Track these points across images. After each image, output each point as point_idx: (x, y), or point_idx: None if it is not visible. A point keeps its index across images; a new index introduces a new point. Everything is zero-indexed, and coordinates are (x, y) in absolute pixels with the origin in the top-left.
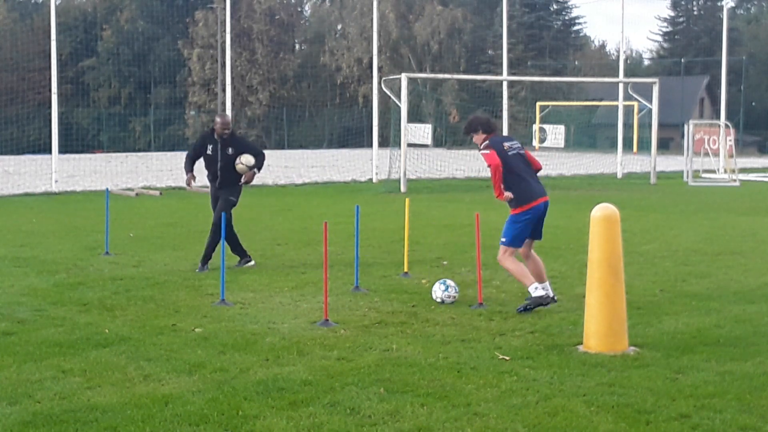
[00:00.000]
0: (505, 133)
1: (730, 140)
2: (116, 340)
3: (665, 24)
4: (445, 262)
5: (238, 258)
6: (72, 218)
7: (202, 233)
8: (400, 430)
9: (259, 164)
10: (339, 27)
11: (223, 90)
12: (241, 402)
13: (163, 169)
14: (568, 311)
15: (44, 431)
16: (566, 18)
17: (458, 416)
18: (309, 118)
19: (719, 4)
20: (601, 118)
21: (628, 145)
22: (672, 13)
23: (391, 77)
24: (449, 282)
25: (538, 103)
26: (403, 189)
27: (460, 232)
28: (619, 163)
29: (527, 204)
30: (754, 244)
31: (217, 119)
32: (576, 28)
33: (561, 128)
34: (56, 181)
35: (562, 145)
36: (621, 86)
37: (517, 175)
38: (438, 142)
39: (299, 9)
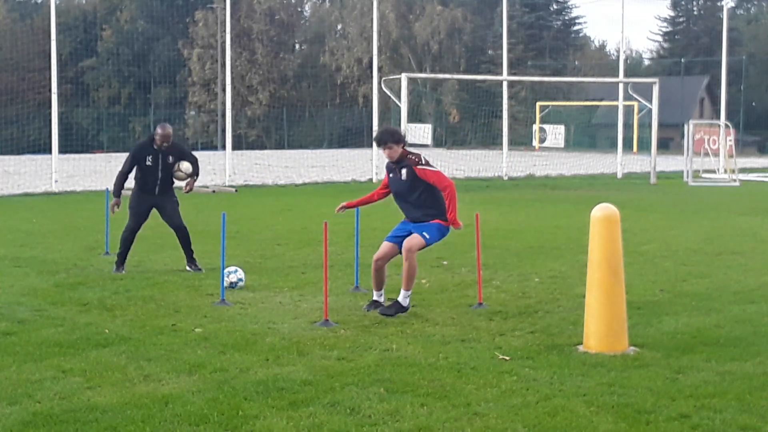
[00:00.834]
0: (505, 132)
1: (730, 140)
2: (116, 340)
3: (665, 24)
4: (445, 262)
5: (117, 262)
6: (72, 218)
7: (202, 233)
8: (400, 430)
9: (196, 171)
10: (339, 27)
11: (223, 90)
12: (241, 402)
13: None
14: (568, 311)
15: (44, 431)
16: (566, 18)
17: (458, 416)
18: (309, 118)
19: (719, 4)
20: (601, 118)
21: (628, 145)
22: (672, 13)
23: (391, 77)
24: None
25: (538, 103)
26: None
27: (460, 232)
28: (619, 163)
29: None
30: (754, 244)
31: (158, 130)
32: (576, 28)
33: (561, 128)
34: (56, 181)
35: (562, 145)
36: (621, 86)
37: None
38: (438, 142)
39: (299, 9)
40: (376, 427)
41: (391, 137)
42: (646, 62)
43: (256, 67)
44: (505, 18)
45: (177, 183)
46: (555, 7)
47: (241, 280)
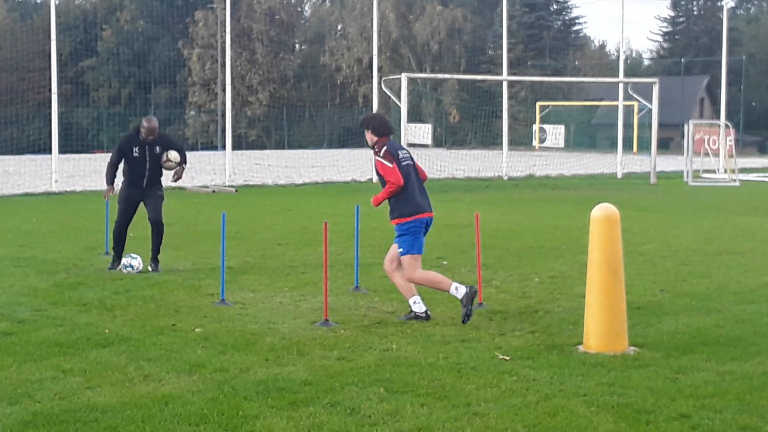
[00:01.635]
0: (505, 132)
1: (730, 140)
2: (116, 340)
3: (665, 24)
4: (445, 262)
5: (113, 258)
6: (72, 218)
7: (202, 233)
8: (400, 430)
9: (184, 159)
10: (339, 27)
11: (223, 90)
12: (241, 402)
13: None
14: (568, 311)
15: (44, 431)
16: (566, 18)
17: (458, 416)
18: (309, 118)
19: (719, 4)
20: (601, 118)
21: (628, 145)
22: (672, 13)
23: (391, 77)
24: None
25: (538, 103)
26: None
27: (460, 232)
28: (619, 163)
29: (410, 216)
30: (754, 244)
31: (144, 123)
32: (576, 28)
33: (561, 128)
34: (56, 181)
35: (562, 145)
36: (621, 86)
37: (404, 186)
38: (438, 142)
39: (299, 9)
40: (376, 427)
41: (365, 122)
42: (646, 62)
43: (256, 67)
44: (505, 18)
45: (166, 173)
46: (555, 7)
47: (131, 266)
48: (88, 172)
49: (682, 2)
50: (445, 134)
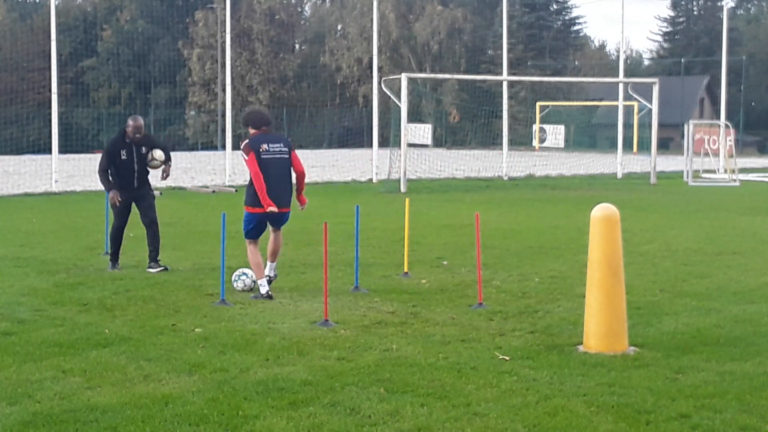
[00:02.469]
0: (505, 132)
1: (730, 140)
2: (116, 340)
3: (665, 24)
4: (445, 262)
5: (111, 260)
6: (72, 218)
7: (202, 233)
8: (400, 430)
9: (168, 157)
10: (339, 27)
11: (223, 90)
12: (241, 402)
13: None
14: (568, 311)
15: (44, 431)
16: (566, 18)
17: (458, 416)
18: (309, 118)
19: (719, 4)
20: (601, 118)
21: (628, 145)
22: (672, 13)
23: (391, 77)
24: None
25: (538, 103)
26: (403, 189)
27: (460, 232)
28: (619, 163)
29: (257, 208)
30: (754, 244)
31: (130, 122)
32: (576, 28)
33: (561, 128)
34: (56, 181)
35: (562, 145)
36: (621, 86)
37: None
38: (438, 142)
39: (299, 9)
40: (376, 427)
41: (243, 121)
42: (646, 62)
43: (256, 67)
44: (505, 18)
45: (153, 173)
46: (555, 7)
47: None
48: (88, 172)
49: (682, 2)
50: (445, 134)
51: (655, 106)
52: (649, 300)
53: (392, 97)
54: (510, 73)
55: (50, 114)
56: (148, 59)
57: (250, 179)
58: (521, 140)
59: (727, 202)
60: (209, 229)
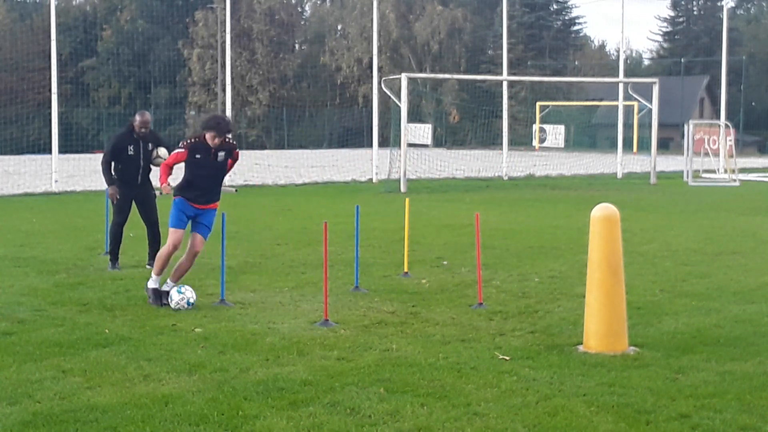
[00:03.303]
0: (505, 132)
1: (730, 140)
2: (116, 340)
3: (665, 24)
4: (445, 262)
5: (111, 259)
6: (72, 218)
7: None
8: (400, 430)
9: None
10: (339, 27)
11: (223, 90)
12: (241, 402)
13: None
14: (568, 311)
15: (44, 431)
16: (566, 18)
17: (458, 416)
18: (309, 118)
19: (719, 4)
20: (601, 118)
21: (628, 145)
22: (672, 13)
23: (391, 77)
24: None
25: (538, 103)
26: (403, 189)
27: (460, 232)
28: (619, 163)
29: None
30: (754, 244)
31: (137, 117)
32: (576, 28)
33: (561, 128)
34: (56, 181)
35: (562, 145)
36: (621, 86)
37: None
38: (438, 142)
39: (299, 9)
40: (376, 427)
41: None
42: (646, 62)
43: (256, 67)
44: (505, 18)
45: (154, 170)
46: (555, 7)
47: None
48: (88, 172)
49: (682, 2)
50: (445, 134)
51: (655, 106)
52: (649, 300)
53: (392, 97)
54: (510, 73)
55: (50, 114)
56: (148, 59)
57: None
58: (521, 140)
59: (727, 202)
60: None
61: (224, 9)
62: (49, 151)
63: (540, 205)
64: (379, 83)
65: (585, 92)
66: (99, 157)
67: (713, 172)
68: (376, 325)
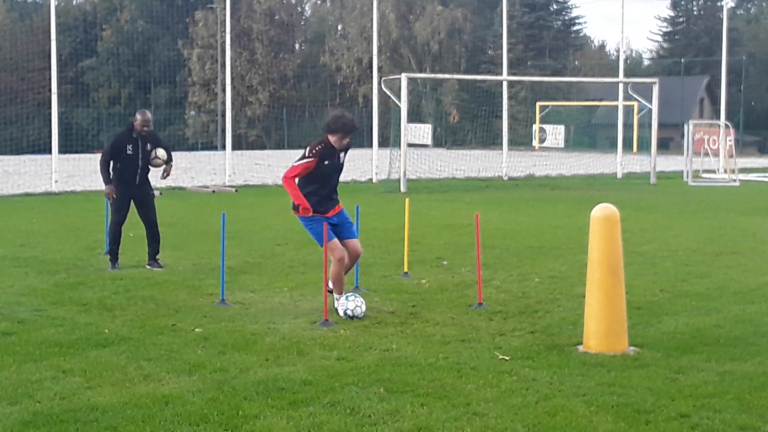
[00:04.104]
0: (505, 132)
1: (730, 140)
2: (116, 340)
3: (665, 24)
4: (445, 262)
5: (111, 259)
6: (72, 218)
7: (202, 233)
8: (400, 429)
9: (170, 157)
10: (339, 27)
11: (223, 90)
12: (241, 402)
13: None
14: (568, 311)
15: (44, 431)
16: (566, 18)
17: (458, 416)
18: (309, 118)
19: (719, 4)
20: (600, 118)
21: (628, 145)
22: (672, 13)
23: (391, 77)
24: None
25: (538, 103)
26: (403, 189)
27: (460, 232)
28: (619, 163)
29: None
30: (754, 244)
31: (138, 116)
32: (576, 28)
33: (561, 128)
34: (56, 181)
35: (562, 145)
36: (621, 86)
37: None
38: (438, 142)
39: (299, 9)
40: (376, 427)
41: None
42: (646, 62)
43: (256, 67)
44: (505, 18)
45: (153, 171)
46: (555, 7)
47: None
48: (88, 172)
49: (682, 2)
50: (445, 134)
51: (655, 106)
52: (649, 300)
53: (392, 97)
54: (510, 73)
55: (50, 114)
56: (148, 59)
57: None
58: (521, 140)
59: (727, 202)
60: (209, 229)
61: (224, 9)
62: (49, 151)
63: (540, 205)
64: (379, 83)
65: (585, 92)
66: (99, 157)
67: (713, 172)
68: (376, 325)
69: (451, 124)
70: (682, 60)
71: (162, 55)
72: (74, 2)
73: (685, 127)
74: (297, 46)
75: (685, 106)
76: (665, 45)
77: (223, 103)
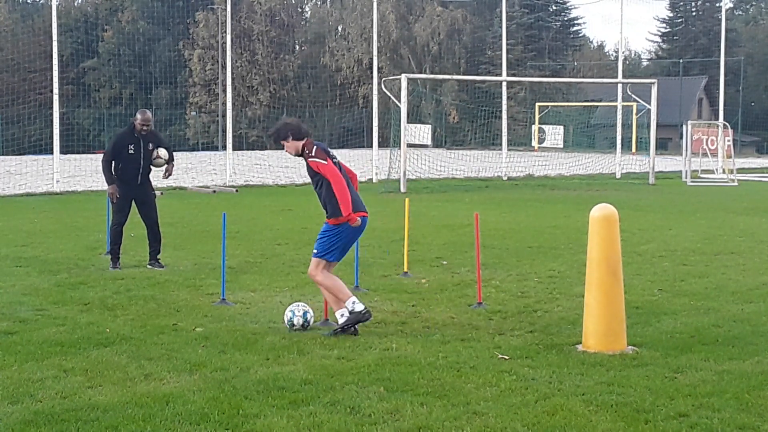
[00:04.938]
0: (504, 133)
1: (728, 140)
2: (117, 340)
3: (664, 25)
4: (444, 262)
5: (112, 259)
6: (73, 218)
7: (203, 233)
8: (400, 429)
9: (171, 157)
10: (339, 28)
11: (224, 90)
12: (242, 401)
13: (161, 169)
14: (567, 311)
15: (46, 430)
16: (565, 19)
17: (458, 415)
18: (309, 118)
19: (717, 5)
20: (599, 118)
21: (626, 146)
22: (670, 14)
23: (391, 78)
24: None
25: (538, 104)
26: (403, 189)
27: (459, 232)
28: (617, 163)
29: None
30: (752, 244)
31: (138, 115)
32: (575, 28)
33: (560, 129)
34: (58, 181)
35: (561, 146)
36: (620, 87)
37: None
38: (438, 142)
39: (300, 10)
40: (376, 426)
41: (282, 133)
42: (645, 63)
43: (256, 68)
44: (504, 19)
45: (155, 171)
46: (554, 8)
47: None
48: (89, 172)
49: (681, 3)
50: (444, 135)
51: (653, 107)
52: (647, 299)
53: (392, 97)
54: (509, 74)
55: (52, 114)
56: (149, 60)
57: (330, 189)
58: (520, 140)
59: (726, 202)
60: (210, 229)
61: (225, 10)
62: (51, 152)
63: (539, 205)
64: (379, 84)
65: (584, 93)
66: (100, 157)
67: (711, 172)
68: (376, 325)
69: (451, 124)
70: (681, 61)
71: (163, 56)
72: (75, 3)
73: (684, 127)
74: (297, 46)
75: (683, 106)
76: (664, 46)
77: (224, 103)
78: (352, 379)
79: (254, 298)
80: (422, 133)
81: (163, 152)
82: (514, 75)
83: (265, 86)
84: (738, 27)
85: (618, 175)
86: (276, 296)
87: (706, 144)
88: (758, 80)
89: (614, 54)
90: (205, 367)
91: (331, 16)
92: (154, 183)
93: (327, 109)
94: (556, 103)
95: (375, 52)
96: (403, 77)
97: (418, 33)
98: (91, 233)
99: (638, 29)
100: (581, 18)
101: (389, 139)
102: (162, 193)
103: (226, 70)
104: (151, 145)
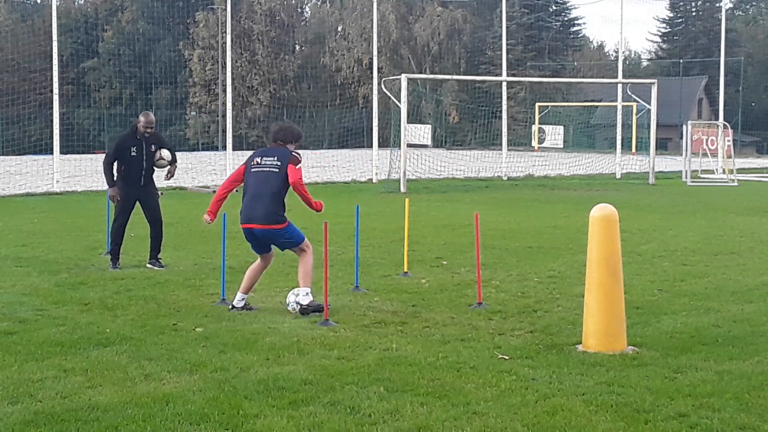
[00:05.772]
0: (504, 133)
1: (728, 140)
2: (117, 340)
3: (664, 25)
4: (444, 262)
5: (111, 259)
6: (73, 218)
7: (203, 233)
8: (400, 429)
9: (174, 158)
10: (339, 28)
11: (224, 91)
12: (242, 401)
13: (163, 170)
14: (567, 311)
15: (46, 430)
16: (565, 19)
17: (458, 415)
18: (309, 118)
19: (717, 5)
20: (599, 118)
21: (626, 146)
22: (670, 14)
23: (391, 78)
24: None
25: (538, 104)
26: (403, 189)
27: (459, 232)
28: (617, 163)
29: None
30: (752, 244)
31: (141, 117)
32: (575, 29)
33: (560, 129)
34: (58, 182)
35: (561, 146)
36: (620, 87)
37: (245, 191)
38: (438, 142)
39: (300, 10)
40: (376, 426)
41: (291, 136)
42: (645, 63)
43: (256, 68)
44: (504, 19)
45: (158, 172)
46: (554, 8)
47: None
48: (89, 172)
49: (681, 3)
50: (444, 135)
51: (653, 107)
52: (647, 299)
53: (392, 97)
54: (509, 74)
55: (52, 114)
56: (149, 60)
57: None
58: (520, 141)
59: (725, 202)
60: (210, 229)
61: (225, 10)
62: (51, 152)
63: (539, 205)
64: (379, 84)
65: (584, 93)
66: (100, 157)
67: (711, 172)
68: (376, 325)
69: (451, 124)
70: (681, 61)
71: (163, 56)
72: (75, 3)
73: (684, 127)
74: (297, 46)
75: (683, 106)
76: (664, 46)
77: (224, 103)
78: (352, 379)
79: (254, 298)
80: (422, 133)
81: (166, 153)
82: (514, 75)
83: (265, 86)
84: (738, 27)
85: (618, 175)
86: (276, 296)
87: (706, 144)
88: (758, 80)
89: (614, 54)
90: (205, 367)
91: (331, 16)
92: (166, 185)
93: (327, 109)
94: (556, 103)
95: (375, 52)
96: (403, 77)
97: (418, 33)
98: (91, 233)
99: (638, 29)
100: (581, 18)
101: (389, 139)
102: (162, 193)
103: (226, 70)
104: (153, 146)
